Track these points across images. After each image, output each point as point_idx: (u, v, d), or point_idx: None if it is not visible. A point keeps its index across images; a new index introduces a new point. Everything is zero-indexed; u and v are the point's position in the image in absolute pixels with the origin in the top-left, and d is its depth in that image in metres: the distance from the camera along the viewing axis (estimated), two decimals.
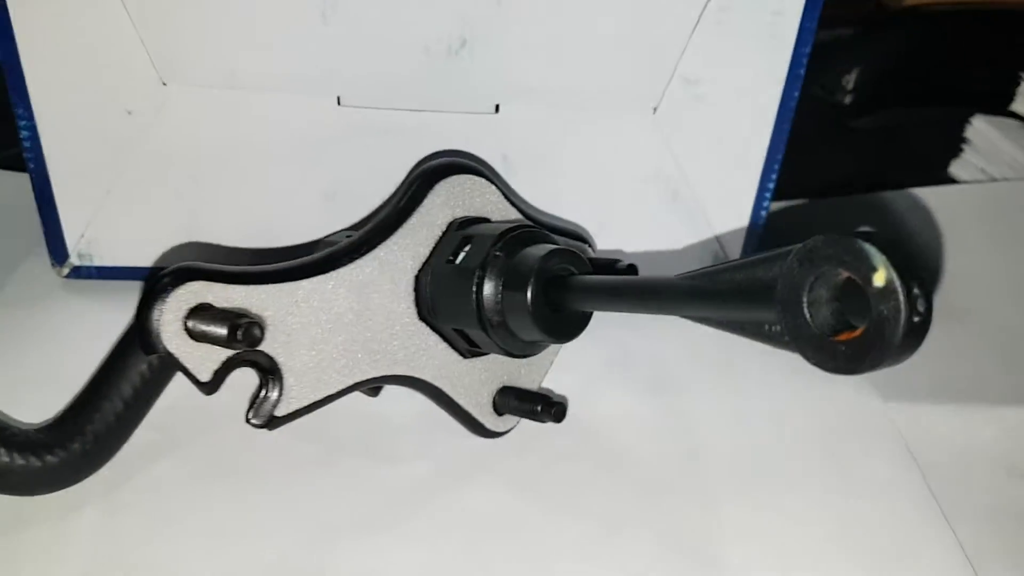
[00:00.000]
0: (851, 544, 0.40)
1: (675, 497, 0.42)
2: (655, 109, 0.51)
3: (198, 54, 0.46)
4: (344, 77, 0.48)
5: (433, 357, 0.40)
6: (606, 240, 0.53)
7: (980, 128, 0.73)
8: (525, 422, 0.44)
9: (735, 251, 0.55)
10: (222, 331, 0.32)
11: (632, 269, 0.43)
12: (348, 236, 0.40)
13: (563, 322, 0.38)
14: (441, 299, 0.39)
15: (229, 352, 0.33)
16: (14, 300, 0.52)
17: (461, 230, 0.40)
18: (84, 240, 0.51)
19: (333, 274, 0.37)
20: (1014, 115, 0.75)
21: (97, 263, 0.52)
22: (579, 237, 0.48)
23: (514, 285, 0.36)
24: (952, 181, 0.70)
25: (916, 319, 0.24)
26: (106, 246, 0.52)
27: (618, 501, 0.41)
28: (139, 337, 0.33)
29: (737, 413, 0.47)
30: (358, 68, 0.47)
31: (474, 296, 0.37)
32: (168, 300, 0.33)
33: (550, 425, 0.42)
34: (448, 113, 0.49)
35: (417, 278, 0.40)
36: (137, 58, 0.46)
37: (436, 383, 0.40)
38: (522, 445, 0.44)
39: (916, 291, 0.24)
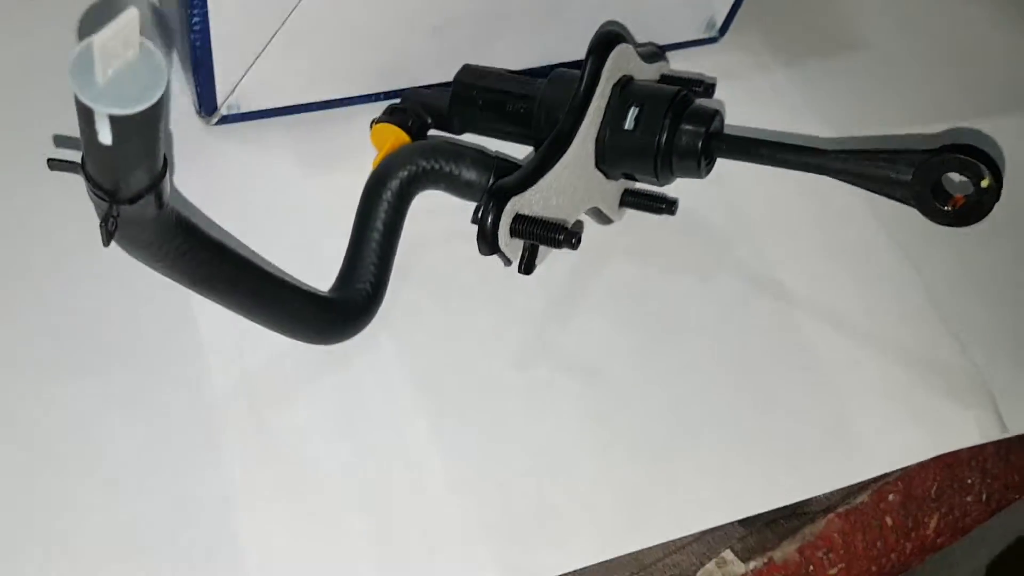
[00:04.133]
0: None
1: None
2: None
3: None
4: None
5: (600, 190, 0.57)
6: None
7: None
8: None
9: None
10: (553, 240, 0.47)
11: (709, 90, 0.59)
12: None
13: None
14: (621, 156, 0.54)
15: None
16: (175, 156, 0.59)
17: (622, 95, 0.54)
18: (233, 95, 0.58)
19: (564, 159, 0.51)
20: None
21: (244, 110, 0.59)
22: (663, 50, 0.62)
23: (688, 153, 0.53)
24: None
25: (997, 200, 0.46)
26: (252, 97, 0.59)
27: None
28: (481, 241, 0.47)
29: None
30: None
31: (653, 160, 0.53)
32: (502, 218, 0.47)
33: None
34: None
35: (597, 140, 0.54)
36: None
37: (601, 207, 0.57)
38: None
39: (1000, 183, 0.45)
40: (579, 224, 0.54)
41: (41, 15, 0.63)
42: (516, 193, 0.48)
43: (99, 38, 0.27)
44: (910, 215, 0.49)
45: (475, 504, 0.49)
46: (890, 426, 0.56)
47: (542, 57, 0.66)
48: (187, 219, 0.39)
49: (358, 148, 0.60)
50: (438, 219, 0.56)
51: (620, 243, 0.61)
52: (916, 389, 0.57)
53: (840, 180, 0.50)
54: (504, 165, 0.54)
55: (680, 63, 0.70)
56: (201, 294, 0.43)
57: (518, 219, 0.48)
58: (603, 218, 0.58)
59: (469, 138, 0.61)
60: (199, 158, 0.59)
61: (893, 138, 0.71)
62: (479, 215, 0.47)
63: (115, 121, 0.29)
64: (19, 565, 0.43)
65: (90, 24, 0.57)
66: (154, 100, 0.29)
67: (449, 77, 0.61)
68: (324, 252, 0.54)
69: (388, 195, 0.54)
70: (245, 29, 0.54)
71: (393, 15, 0.57)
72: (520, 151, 0.60)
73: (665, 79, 0.60)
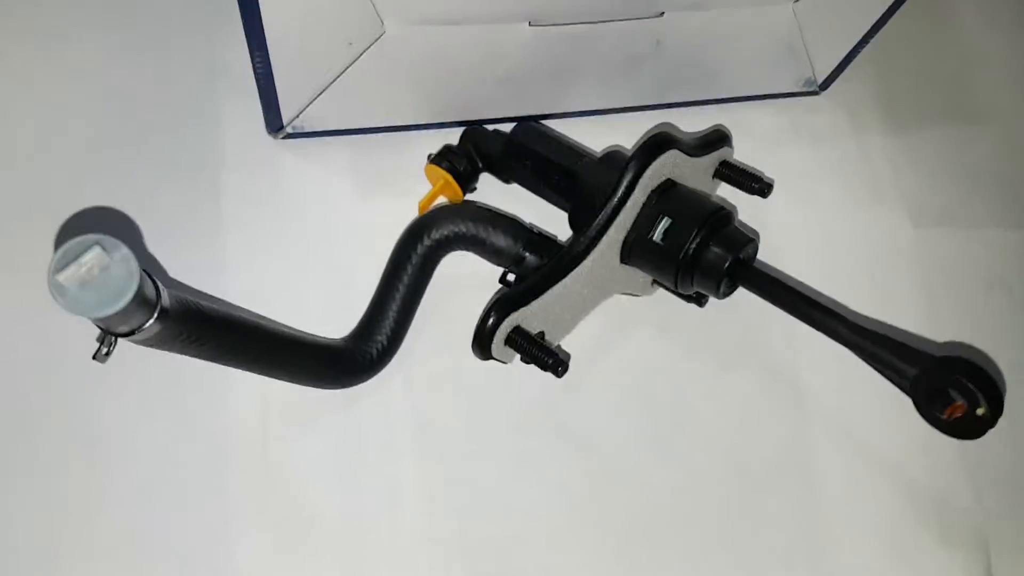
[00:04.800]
0: None
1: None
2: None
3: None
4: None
5: (626, 280, 0.57)
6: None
7: None
8: None
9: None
10: (542, 363, 0.50)
11: (765, 190, 0.58)
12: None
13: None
14: (644, 262, 0.54)
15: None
16: (232, 160, 0.62)
17: (657, 202, 0.54)
18: (297, 119, 0.61)
19: (578, 269, 0.52)
20: None
21: (307, 130, 0.62)
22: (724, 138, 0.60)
23: (710, 273, 0.52)
24: None
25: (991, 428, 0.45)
26: (316, 120, 0.61)
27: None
28: (476, 348, 0.50)
29: None
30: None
31: (674, 273, 0.53)
32: (498, 330, 0.49)
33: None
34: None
35: (624, 241, 0.55)
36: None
37: (627, 292, 0.58)
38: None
39: (996, 416, 0.44)
40: (567, 355, 0.55)
41: None
42: (518, 308, 0.49)
43: (64, 276, 0.31)
44: None
45: (443, 561, 0.54)
46: (875, 566, 0.56)
47: (617, 102, 0.65)
48: (196, 310, 0.43)
49: (412, 175, 0.62)
50: (474, 265, 0.58)
51: (650, 316, 0.61)
52: (913, 530, 0.58)
53: (849, 350, 0.50)
54: (535, 239, 0.56)
55: (771, 114, 0.68)
56: (219, 363, 0.48)
57: (516, 331, 0.50)
58: (632, 293, 0.59)
59: (515, 189, 0.62)
60: (261, 167, 0.62)
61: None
62: (479, 323, 0.50)
63: (96, 319, 0.34)
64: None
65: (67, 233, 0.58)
66: (125, 302, 0.34)
67: (514, 113, 0.62)
68: (361, 273, 0.58)
69: (420, 251, 0.56)
70: (307, 69, 0.56)
71: (458, 66, 0.58)
72: (561, 215, 0.60)
73: (723, 169, 0.58)
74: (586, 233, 0.52)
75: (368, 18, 0.52)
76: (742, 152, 0.65)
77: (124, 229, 0.59)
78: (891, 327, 0.62)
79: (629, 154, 0.53)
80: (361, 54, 0.54)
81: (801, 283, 0.61)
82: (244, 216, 0.60)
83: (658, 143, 0.53)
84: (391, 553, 0.54)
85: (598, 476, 0.56)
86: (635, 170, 0.52)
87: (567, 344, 0.57)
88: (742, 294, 0.54)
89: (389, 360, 0.56)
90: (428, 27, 0.53)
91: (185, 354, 0.45)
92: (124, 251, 0.34)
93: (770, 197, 0.60)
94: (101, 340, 0.39)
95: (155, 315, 0.38)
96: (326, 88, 0.57)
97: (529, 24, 0.54)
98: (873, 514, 0.58)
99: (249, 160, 0.62)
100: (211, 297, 0.57)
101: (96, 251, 0.33)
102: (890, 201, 0.67)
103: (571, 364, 0.56)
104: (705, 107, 0.67)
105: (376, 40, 0.53)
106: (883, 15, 0.59)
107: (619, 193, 0.52)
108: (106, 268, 0.33)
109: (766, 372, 0.61)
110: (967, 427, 0.45)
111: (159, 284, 0.39)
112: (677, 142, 0.53)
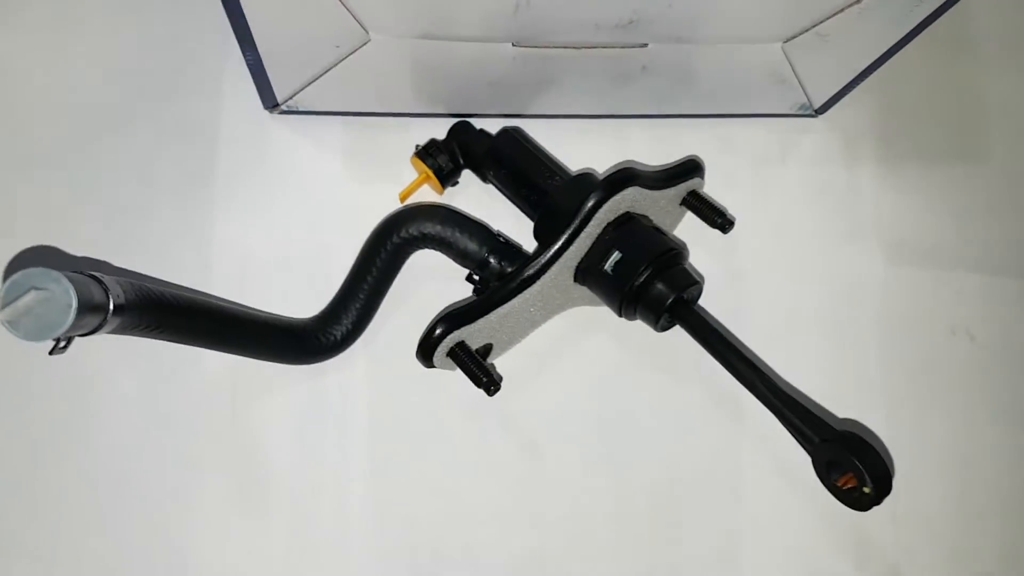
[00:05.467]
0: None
1: None
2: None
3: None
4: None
5: (581, 296, 0.60)
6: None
7: None
8: None
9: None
10: (476, 380, 0.54)
11: (726, 226, 0.59)
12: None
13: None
14: (594, 286, 0.57)
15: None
16: (228, 129, 0.66)
17: (612, 234, 0.56)
18: (292, 99, 0.63)
19: (525, 293, 0.55)
20: None
21: (302, 109, 0.65)
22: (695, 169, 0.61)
23: (651, 308, 0.55)
24: None
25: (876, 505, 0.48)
26: (310, 101, 0.64)
27: None
28: (420, 356, 0.54)
29: None
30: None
31: (619, 302, 0.56)
32: (441, 344, 0.53)
33: None
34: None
35: (577, 266, 0.57)
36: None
37: (582, 305, 0.61)
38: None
39: (880, 496, 0.47)
40: (500, 377, 0.57)
41: None
42: (463, 325, 0.53)
43: (8, 314, 0.36)
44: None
45: (380, 532, 0.59)
46: None
47: (606, 111, 0.66)
48: (152, 300, 0.47)
49: (403, 159, 0.65)
50: (444, 259, 0.61)
51: (609, 324, 0.63)
52: (829, 555, 0.61)
53: (761, 404, 0.53)
54: (499, 246, 0.59)
55: (763, 132, 0.69)
56: (186, 344, 0.53)
57: (459, 346, 0.54)
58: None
59: (492, 188, 0.64)
60: (254, 139, 0.65)
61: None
62: (424, 334, 0.53)
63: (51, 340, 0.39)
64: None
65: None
66: (66, 326, 0.38)
67: (505, 111, 0.64)
68: (341, 251, 0.61)
69: (390, 246, 0.60)
70: (297, 63, 0.58)
71: (446, 72, 0.59)
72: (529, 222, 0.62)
73: (691, 199, 0.60)
74: (537, 259, 0.55)
75: (352, 28, 0.53)
76: (726, 168, 0.66)
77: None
78: (842, 366, 0.64)
79: (595, 182, 0.55)
80: (349, 55, 0.56)
81: (735, 335, 0.62)
82: (234, 185, 0.64)
83: (618, 179, 0.54)
84: (336, 516, 0.59)
85: (536, 469, 0.60)
86: (592, 204, 0.54)
87: (525, 342, 0.60)
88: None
89: (352, 343, 0.61)
90: (413, 39, 0.54)
91: (149, 338, 0.50)
92: (54, 275, 0.38)
93: (744, 217, 0.61)
94: (56, 340, 0.43)
95: (107, 315, 0.43)
96: (318, 78, 0.59)
97: (512, 45, 0.55)
98: (792, 535, 0.61)
99: (244, 131, 0.65)
100: (194, 266, 0.62)
101: (31, 293, 0.37)
102: (867, 235, 0.68)
103: (526, 360, 0.60)
104: (695, 119, 0.68)
105: (363, 46, 0.55)
106: (881, 56, 0.59)
107: (573, 225, 0.54)
108: (45, 298, 0.38)
109: (712, 389, 0.63)
110: (855, 500, 0.48)
111: (108, 284, 0.43)
112: (638, 179, 0.55)
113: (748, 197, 0.66)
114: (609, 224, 0.55)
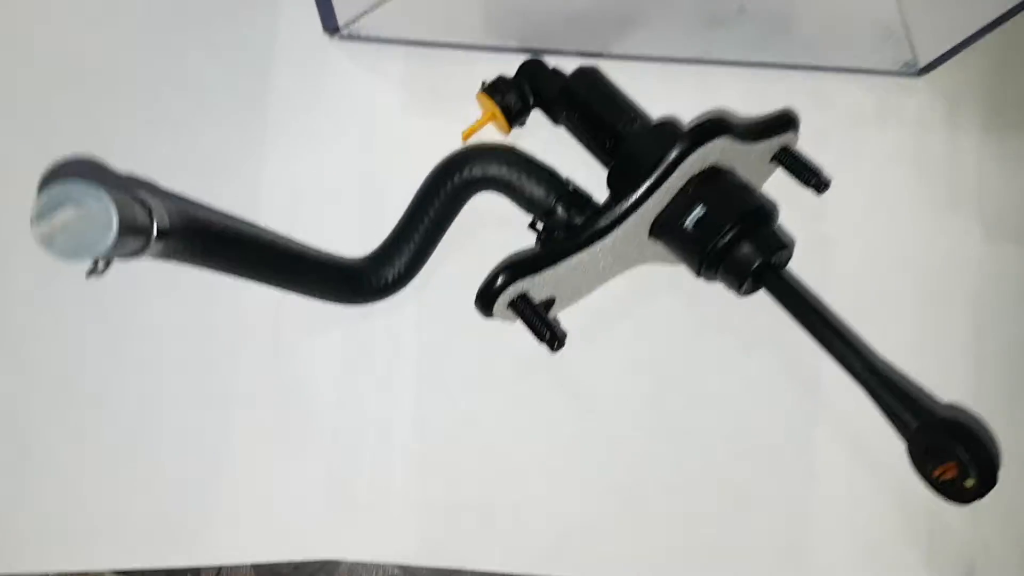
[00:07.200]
0: None
1: None
2: None
3: None
4: None
5: (654, 253, 0.55)
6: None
7: None
8: None
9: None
10: (539, 334, 0.49)
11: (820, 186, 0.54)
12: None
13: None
14: (672, 243, 0.53)
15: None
16: (285, 53, 0.61)
17: (696, 189, 0.51)
18: (354, 24, 0.59)
19: (597, 245, 0.51)
20: None
21: (363, 35, 0.60)
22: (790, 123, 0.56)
23: (734, 271, 0.50)
24: None
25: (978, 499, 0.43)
26: (373, 26, 0.59)
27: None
28: (479, 306, 0.50)
29: None
30: None
31: (699, 263, 0.51)
32: (503, 294, 0.49)
33: None
34: None
35: (654, 219, 0.52)
36: None
37: (654, 262, 0.56)
38: None
39: (985, 489, 0.43)
40: (564, 333, 0.53)
41: None
42: (527, 275, 0.49)
43: (44, 229, 0.33)
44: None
45: (422, 485, 0.55)
46: (852, 573, 0.56)
47: (691, 54, 0.61)
48: (199, 226, 0.43)
49: (465, 97, 0.60)
50: (507, 204, 0.57)
51: (681, 285, 0.59)
52: (900, 543, 0.57)
53: (856, 381, 0.48)
54: (568, 194, 0.54)
55: (860, 89, 0.63)
56: (234, 276, 0.49)
57: (521, 298, 0.49)
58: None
59: (563, 131, 0.60)
60: (311, 64, 0.61)
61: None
62: (485, 282, 0.49)
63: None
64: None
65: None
66: (105, 247, 0.35)
67: (580, 49, 0.59)
68: (397, 190, 0.57)
69: (450, 186, 0.56)
70: None
71: (524, 2, 0.55)
72: (602, 170, 0.58)
73: (783, 155, 0.55)
74: (613, 210, 0.50)
75: None
76: (818, 126, 0.60)
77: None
78: (930, 346, 0.59)
79: (680, 130, 0.51)
80: None
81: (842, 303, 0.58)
82: (288, 112, 0.60)
83: (708, 130, 0.49)
84: (377, 464, 0.56)
85: (591, 431, 0.57)
86: (677, 153, 0.49)
87: (589, 298, 0.56)
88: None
89: (404, 286, 0.57)
90: None
91: (193, 265, 0.46)
92: (94, 191, 0.35)
93: (835, 180, 0.56)
94: (94, 262, 0.40)
95: (150, 239, 0.39)
96: (383, 1, 0.55)
97: None
98: (863, 520, 0.57)
99: (302, 55, 0.61)
100: (243, 193, 0.58)
101: (69, 208, 0.34)
102: (967, 208, 0.62)
103: (589, 317, 0.55)
104: (789, 70, 0.62)
105: None
106: (1000, 17, 0.53)
107: (655, 175, 0.49)
108: (84, 215, 0.34)
109: (787, 359, 0.58)
110: (954, 492, 0.44)
111: (154, 206, 0.40)
112: (730, 129, 0.50)
113: (840, 159, 0.61)
114: (693, 177, 0.50)
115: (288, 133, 0.60)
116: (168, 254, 0.42)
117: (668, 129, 0.52)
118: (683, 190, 0.50)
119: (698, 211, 0.50)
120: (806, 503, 0.57)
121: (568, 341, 0.53)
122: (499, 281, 0.49)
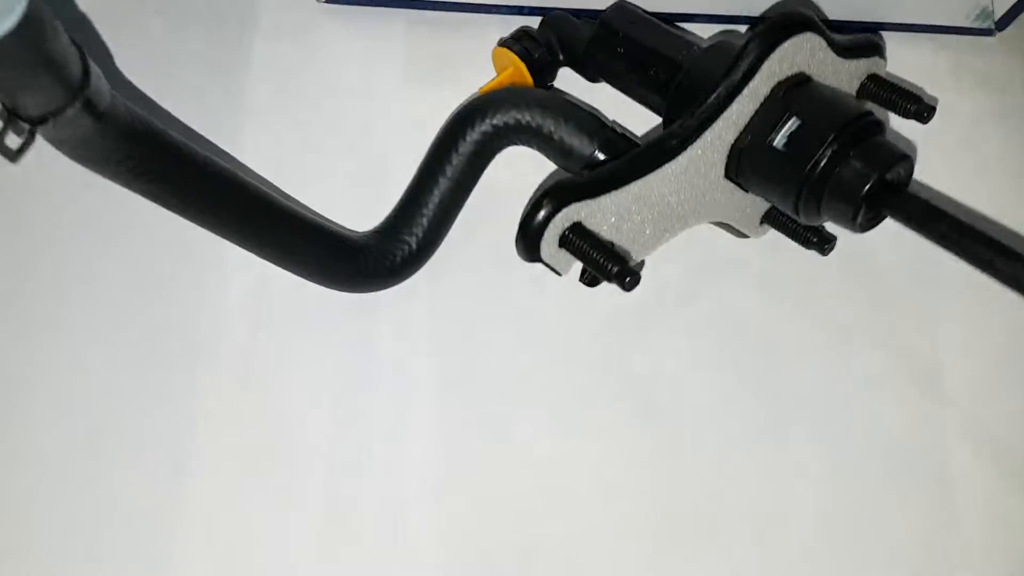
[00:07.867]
0: None
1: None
2: None
3: None
4: None
5: (728, 203, 0.44)
6: None
7: None
8: None
9: None
10: (605, 270, 0.37)
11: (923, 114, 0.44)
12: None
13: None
14: (759, 177, 0.42)
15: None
16: (270, 18, 0.53)
17: (784, 97, 0.41)
18: None
19: (666, 168, 0.40)
20: None
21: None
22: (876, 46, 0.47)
23: (845, 196, 0.39)
24: None
25: None
26: None
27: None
28: (521, 244, 0.38)
29: None
30: None
31: (796, 191, 0.40)
32: (551, 223, 0.37)
33: None
34: None
35: (733, 146, 0.42)
36: None
37: (729, 222, 0.45)
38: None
39: None
40: (640, 264, 0.43)
41: None
42: (580, 198, 0.37)
43: None
44: None
45: (446, 524, 0.42)
46: None
47: (738, 10, 0.53)
48: (151, 131, 0.33)
49: (475, 63, 0.51)
50: (539, 164, 0.46)
51: (752, 262, 0.49)
52: None
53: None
54: (615, 139, 0.43)
55: (931, 49, 0.56)
56: (195, 223, 0.37)
57: (575, 229, 0.38)
58: (736, 232, 0.47)
59: (601, 90, 0.50)
60: (302, 34, 0.53)
61: None
62: (527, 211, 0.38)
63: None
64: None
65: None
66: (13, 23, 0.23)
67: (603, 6, 0.50)
68: (398, 169, 0.47)
69: (472, 137, 0.45)
70: None
71: None
72: (655, 120, 0.48)
73: (870, 83, 0.45)
74: (685, 122, 0.40)
75: None
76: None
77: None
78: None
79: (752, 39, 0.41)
80: None
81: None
82: (274, 85, 0.51)
83: (793, 21, 0.40)
84: (386, 505, 0.42)
85: (656, 440, 0.44)
86: (759, 50, 0.39)
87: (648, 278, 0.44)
88: (881, 242, 0.42)
89: (418, 267, 0.45)
90: None
91: (135, 190, 0.34)
92: None
93: (917, 147, 0.48)
94: (5, 119, 0.28)
95: (77, 99, 0.28)
96: None
97: None
98: (1016, 541, 0.43)
99: (289, 22, 0.53)
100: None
101: None
102: None
103: (647, 298, 0.44)
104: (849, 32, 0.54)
105: None
106: None
107: (735, 76, 0.39)
108: None
109: (893, 349, 0.47)
110: None
111: (94, 69, 0.29)
112: (816, 25, 0.41)
113: (913, 124, 0.52)
114: (780, 83, 0.40)
115: (274, 107, 0.50)
116: (95, 148, 0.31)
117: (732, 43, 0.43)
118: (767, 101, 0.40)
119: (791, 124, 0.40)
120: (938, 523, 0.44)
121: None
122: (545, 208, 0.37)
